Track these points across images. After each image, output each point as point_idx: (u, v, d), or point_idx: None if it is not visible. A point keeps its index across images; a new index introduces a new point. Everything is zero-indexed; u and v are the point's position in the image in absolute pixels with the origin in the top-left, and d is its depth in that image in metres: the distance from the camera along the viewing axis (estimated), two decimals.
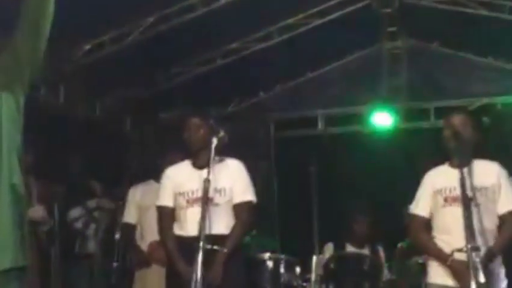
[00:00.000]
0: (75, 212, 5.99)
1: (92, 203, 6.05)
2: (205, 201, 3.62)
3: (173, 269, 3.84)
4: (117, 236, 5.38)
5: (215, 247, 3.63)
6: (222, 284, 3.75)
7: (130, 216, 5.13)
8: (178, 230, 3.90)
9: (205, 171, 3.69)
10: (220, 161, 3.92)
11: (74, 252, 5.95)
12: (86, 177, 6.17)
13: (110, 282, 5.63)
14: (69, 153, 6.22)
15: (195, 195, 3.81)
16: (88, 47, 6.08)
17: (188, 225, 3.78)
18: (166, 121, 7.62)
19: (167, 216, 3.97)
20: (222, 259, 3.74)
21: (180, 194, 3.89)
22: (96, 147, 6.55)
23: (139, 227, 5.10)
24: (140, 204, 5.09)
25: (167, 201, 3.97)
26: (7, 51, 2.34)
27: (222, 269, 3.74)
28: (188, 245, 3.59)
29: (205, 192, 3.64)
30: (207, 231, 3.55)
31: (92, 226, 5.98)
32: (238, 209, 3.91)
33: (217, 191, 3.83)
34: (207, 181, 3.64)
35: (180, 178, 3.95)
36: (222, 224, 3.82)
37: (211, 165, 3.67)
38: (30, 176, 4.80)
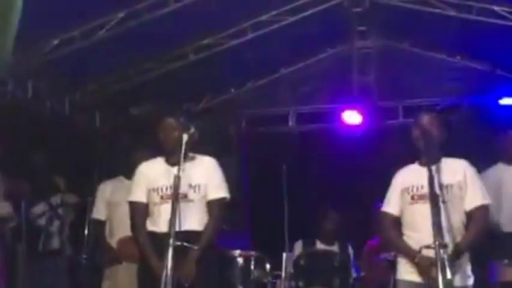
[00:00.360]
0: (38, 209, 5.91)
1: (56, 199, 5.98)
2: (176, 197, 3.63)
3: (145, 265, 3.83)
4: (86, 232, 5.33)
5: (185, 244, 3.62)
6: (196, 281, 3.75)
7: (99, 212, 5.10)
8: (151, 226, 3.89)
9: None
10: (195, 157, 3.94)
11: (38, 249, 5.88)
12: (52, 173, 6.10)
13: (78, 279, 5.58)
14: (36, 149, 6.15)
15: (168, 192, 3.81)
16: (56, 41, 5.99)
17: (161, 221, 3.77)
18: (137, 117, 7.57)
19: (140, 212, 3.96)
20: (195, 256, 3.74)
21: (154, 190, 3.90)
22: (65, 142, 6.48)
23: (108, 224, 5.07)
24: (109, 201, 5.05)
25: (140, 197, 3.97)
26: None
27: (196, 266, 3.74)
28: (161, 241, 3.58)
29: (175, 188, 3.64)
30: (179, 228, 3.55)
31: (56, 223, 5.91)
32: (212, 206, 3.93)
33: (192, 187, 3.86)
34: (177, 178, 3.65)
35: (154, 174, 3.95)
36: (195, 220, 3.84)
37: (181, 161, 3.68)
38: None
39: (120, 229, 4.87)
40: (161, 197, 3.86)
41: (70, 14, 5.58)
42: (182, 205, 3.70)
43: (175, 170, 3.69)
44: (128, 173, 5.08)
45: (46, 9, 4.99)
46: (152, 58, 6.98)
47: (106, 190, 5.12)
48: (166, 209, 3.74)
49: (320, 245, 5.84)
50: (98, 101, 7.21)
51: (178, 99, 7.11)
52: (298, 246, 5.79)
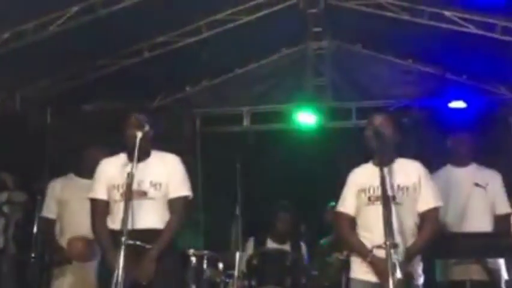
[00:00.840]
0: None
1: (2, 197, 5.83)
2: (128, 195, 3.60)
3: (105, 263, 3.76)
4: (35, 230, 5.22)
5: (138, 243, 3.59)
6: (155, 280, 3.70)
7: (49, 210, 4.99)
8: (110, 224, 3.82)
9: (140, 164, 3.71)
10: (157, 155, 3.92)
11: None
12: None
13: (25, 279, 5.46)
14: None
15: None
16: (7, 35, 5.84)
17: (120, 218, 3.69)
18: (89, 113, 7.46)
19: (100, 209, 3.89)
20: (154, 255, 3.70)
21: (114, 187, 3.83)
22: (15, 138, 6.32)
23: (58, 222, 4.97)
24: (60, 199, 4.96)
25: (100, 193, 3.90)
26: None
27: (155, 265, 3.70)
28: (119, 239, 3.54)
29: (128, 186, 3.61)
30: (133, 226, 3.54)
31: (1, 221, 5.76)
32: (174, 204, 3.88)
33: (153, 185, 3.82)
34: (130, 175, 3.62)
35: (115, 171, 3.87)
36: (156, 218, 3.80)
37: (135, 159, 3.65)
38: None
39: (70, 228, 4.80)
40: (121, 195, 3.77)
41: (21, 7, 5.45)
42: (143, 203, 3.71)
43: (137, 166, 3.67)
44: (79, 170, 5.03)
45: None
46: (106, 54, 6.88)
47: (56, 188, 5.02)
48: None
49: (271, 244, 5.86)
50: (49, 97, 7.07)
51: (132, 96, 7.03)
52: (250, 245, 5.81)
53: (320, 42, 7.56)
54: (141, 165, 3.73)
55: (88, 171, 4.99)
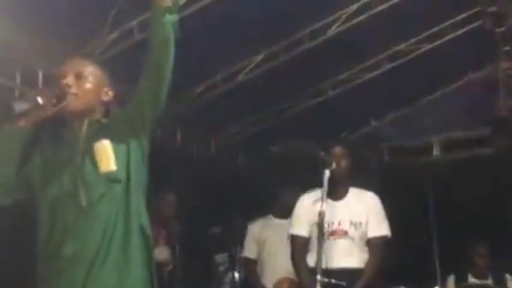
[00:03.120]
0: (220, 258, 6.08)
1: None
2: (321, 234, 3.61)
3: None
4: (236, 272, 5.43)
5: (333, 281, 3.59)
6: None
7: (249, 251, 5.22)
8: (310, 261, 3.83)
9: (340, 202, 3.80)
10: (355, 192, 3.94)
11: None
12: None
13: None
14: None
15: (330, 228, 3.79)
16: (200, 89, 6.29)
17: (323, 257, 3.66)
18: (277, 154, 7.69)
19: (298, 245, 3.91)
20: None
21: (315, 224, 3.77)
22: (210, 184, 6.64)
23: (258, 262, 5.17)
24: (258, 239, 5.17)
25: (301, 230, 3.92)
26: (132, 100, 2.48)
27: None
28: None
29: (320, 225, 3.61)
30: (339, 265, 3.64)
31: (230, 274, 6.05)
32: (373, 244, 3.85)
33: (353, 224, 3.82)
34: (322, 214, 3.62)
35: (312, 208, 3.82)
36: (356, 257, 3.81)
37: (324, 197, 3.65)
38: (173, 218, 5.03)
39: (269, 268, 4.97)
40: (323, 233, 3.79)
41: (212, 61, 5.86)
42: (343, 242, 3.76)
43: (337, 204, 3.77)
44: (275, 211, 5.22)
45: (185, 61, 5.26)
46: (290, 96, 7.10)
47: (255, 229, 5.25)
48: (328, 245, 3.71)
49: (472, 279, 5.54)
50: (239, 142, 7.42)
51: (319, 134, 7.15)
52: (450, 282, 5.55)
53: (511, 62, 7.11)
54: (340, 203, 3.82)
55: (283, 212, 5.18)
